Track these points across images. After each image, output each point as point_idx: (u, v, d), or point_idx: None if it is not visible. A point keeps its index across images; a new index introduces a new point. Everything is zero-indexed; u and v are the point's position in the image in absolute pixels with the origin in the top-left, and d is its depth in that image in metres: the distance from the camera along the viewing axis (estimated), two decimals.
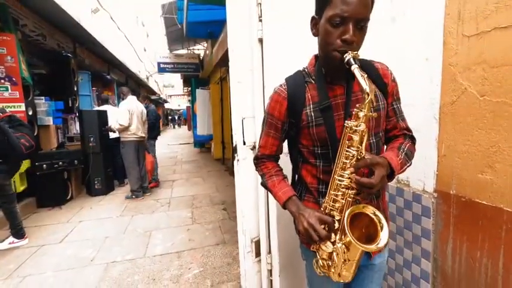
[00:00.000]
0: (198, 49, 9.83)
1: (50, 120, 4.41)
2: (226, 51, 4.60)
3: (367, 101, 0.72)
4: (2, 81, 3.40)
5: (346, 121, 0.79)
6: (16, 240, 2.88)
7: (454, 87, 1.11)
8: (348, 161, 0.78)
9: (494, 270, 1.02)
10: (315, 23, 0.87)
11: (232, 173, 6.22)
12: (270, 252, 1.71)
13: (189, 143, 12.58)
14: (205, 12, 4.77)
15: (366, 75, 0.73)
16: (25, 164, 3.81)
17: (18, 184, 3.71)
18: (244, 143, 1.74)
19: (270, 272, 1.73)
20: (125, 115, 4.13)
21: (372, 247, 0.75)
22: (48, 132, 4.54)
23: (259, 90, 1.61)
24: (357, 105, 0.77)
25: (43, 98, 4.43)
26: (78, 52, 6.45)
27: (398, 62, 1.36)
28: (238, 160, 1.76)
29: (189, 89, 13.73)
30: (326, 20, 0.79)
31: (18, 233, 2.89)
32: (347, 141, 0.78)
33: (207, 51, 7.76)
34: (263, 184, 1.05)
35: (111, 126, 4.47)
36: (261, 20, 1.51)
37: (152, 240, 2.99)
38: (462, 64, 1.08)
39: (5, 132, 2.51)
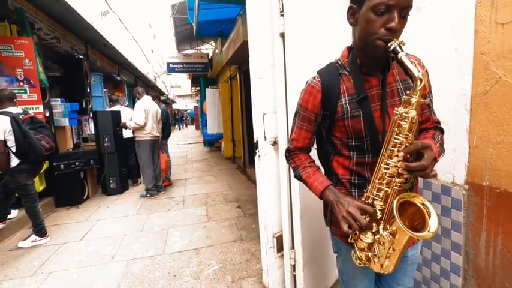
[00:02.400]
0: (206, 48, 9.87)
1: (66, 122, 4.50)
2: (237, 49, 4.61)
3: (420, 87, 0.71)
4: (21, 83, 3.48)
5: (396, 108, 0.78)
6: (38, 238, 2.94)
7: (487, 77, 1.09)
8: (395, 149, 0.77)
9: None
10: (352, 12, 0.85)
11: (243, 171, 6.24)
12: (293, 247, 1.71)
13: (198, 142, 12.67)
14: (215, 11, 4.78)
15: (416, 62, 0.72)
16: (44, 164, 3.90)
17: (38, 184, 3.79)
18: (265, 139, 1.75)
19: (294, 267, 1.73)
20: (140, 114, 4.18)
21: (424, 234, 0.74)
22: (64, 133, 4.63)
23: (280, 85, 1.60)
24: (408, 92, 0.76)
25: (59, 99, 4.51)
26: (90, 54, 6.56)
27: (425, 53, 1.34)
28: (259, 156, 1.77)
29: (197, 88, 13.81)
30: (369, 8, 0.77)
31: (40, 231, 2.95)
32: (396, 129, 0.77)
33: (216, 50, 7.77)
34: (297, 176, 1.04)
35: (126, 123, 4.52)
36: (282, 15, 1.51)
37: (170, 238, 3.02)
38: (496, 52, 1.06)
39: (26, 134, 2.57)
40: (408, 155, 0.76)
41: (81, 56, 5.61)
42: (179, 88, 30.70)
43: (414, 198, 0.80)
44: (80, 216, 3.77)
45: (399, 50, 0.73)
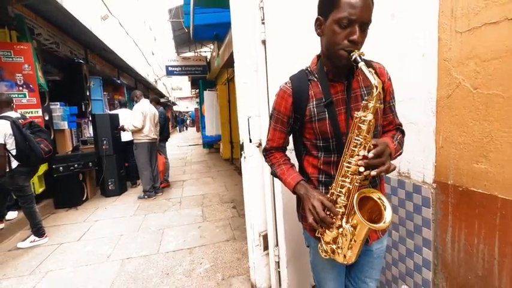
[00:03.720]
0: (205, 51, 9.96)
1: (65, 125, 4.59)
2: (232, 52, 4.70)
3: (375, 93, 0.79)
4: (20, 88, 3.58)
5: (356, 112, 0.85)
6: (37, 238, 3.03)
7: (449, 82, 1.16)
8: (356, 149, 0.84)
9: (491, 255, 1.06)
10: (319, 23, 0.92)
11: (240, 173, 6.30)
12: (277, 244, 1.78)
13: (197, 144, 12.77)
14: (211, 15, 4.87)
15: (373, 71, 0.80)
16: (43, 167, 3.99)
17: (37, 186, 3.89)
18: (250, 141, 1.82)
19: (278, 264, 1.80)
20: (138, 117, 4.28)
21: (380, 225, 0.82)
22: (63, 136, 4.73)
23: (263, 89, 1.68)
24: (366, 98, 0.83)
25: (58, 103, 4.61)
26: (90, 58, 6.67)
27: (398, 58, 1.42)
28: (245, 157, 1.84)
29: (197, 91, 13.89)
30: (334, 21, 0.84)
31: (39, 231, 3.04)
32: (356, 131, 0.84)
33: (214, 53, 7.87)
34: (273, 173, 1.12)
35: (124, 126, 4.61)
36: (263, 23, 1.59)
37: (165, 238, 3.10)
38: (456, 59, 1.12)
39: (27, 138, 2.66)
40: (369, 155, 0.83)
41: (80, 60, 5.71)
42: (180, 90, 30.80)
43: (372, 193, 0.88)
44: (79, 217, 3.86)
45: (359, 60, 0.81)
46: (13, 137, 2.60)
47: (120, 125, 4.91)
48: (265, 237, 1.94)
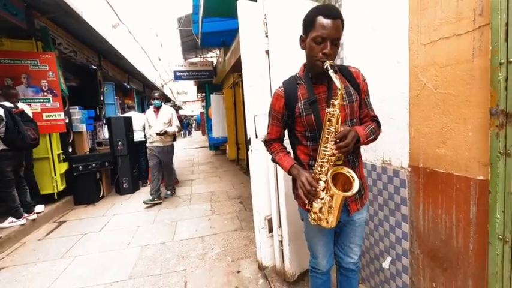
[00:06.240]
0: (211, 57, 10.34)
1: (83, 127, 4.94)
2: (239, 58, 5.03)
3: (339, 93, 1.06)
4: (45, 93, 3.92)
5: (326, 108, 1.12)
6: (15, 220, 3.27)
7: (418, 84, 1.43)
8: (329, 136, 1.12)
9: (450, 222, 1.32)
10: (302, 40, 1.22)
11: (246, 172, 6.58)
12: (280, 225, 2.05)
13: (204, 147, 13.09)
14: (218, 23, 5.20)
15: (337, 76, 1.07)
16: (64, 166, 4.33)
17: (59, 184, 4.22)
18: (256, 136, 2.10)
19: (281, 242, 2.07)
20: (176, 118, 4.61)
21: (348, 193, 1.09)
22: (81, 138, 5.07)
23: (267, 92, 1.97)
24: (333, 97, 1.11)
25: (77, 107, 4.96)
26: (103, 65, 7.05)
27: (378, 64, 1.69)
28: (251, 151, 2.13)
29: (203, 94, 14.27)
30: (311, 39, 1.13)
31: (17, 213, 3.28)
32: (327, 122, 1.12)
33: (220, 59, 8.21)
34: (272, 159, 1.40)
35: (168, 130, 4.44)
36: (267, 36, 1.88)
37: (178, 228, 3.39)
38: (422, 66, 1.40)
39: (17, 122, 3.05)
40: (338, 140, 1.10)
41: (94, 67, 6.09)
42: (186, 94, 31.34)
43: (342, 170, 1.15)
44: (97, 212, 4.18)
45: (329, 68, 1.09)
46: (4, 121, 2.97)
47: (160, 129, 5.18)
48: (269, 221, 2.21)
